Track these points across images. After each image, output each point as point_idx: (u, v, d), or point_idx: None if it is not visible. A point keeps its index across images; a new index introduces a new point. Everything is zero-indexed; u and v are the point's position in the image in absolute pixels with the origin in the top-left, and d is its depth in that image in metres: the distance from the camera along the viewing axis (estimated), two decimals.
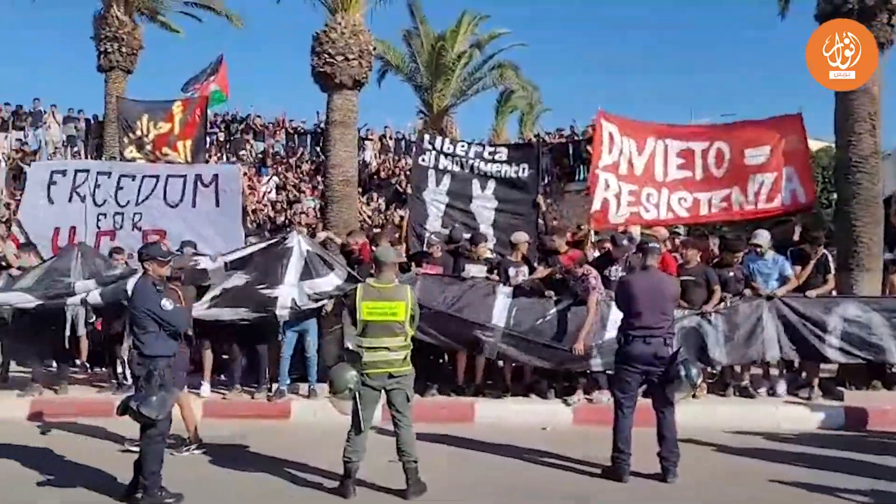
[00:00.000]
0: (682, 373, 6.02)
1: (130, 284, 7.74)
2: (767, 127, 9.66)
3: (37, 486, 5.98)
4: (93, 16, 17.06)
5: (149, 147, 10.74)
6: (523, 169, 9.78)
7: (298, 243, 8.86)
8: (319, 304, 8.81)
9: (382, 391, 5.75)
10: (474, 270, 9.02)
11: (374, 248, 9.42)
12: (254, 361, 9.18)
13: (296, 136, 22.55)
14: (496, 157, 9.86)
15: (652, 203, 9.60)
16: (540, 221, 10.00)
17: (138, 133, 10.83)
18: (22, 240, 9.83)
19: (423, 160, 9.87)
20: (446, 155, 9.82)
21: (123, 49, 16.81)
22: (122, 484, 5.78)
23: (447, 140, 10.35)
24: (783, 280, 8.78)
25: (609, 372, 8.34)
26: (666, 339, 6.17)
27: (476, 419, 8.26)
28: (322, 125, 21.69)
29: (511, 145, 13.43)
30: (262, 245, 9.01)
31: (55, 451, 6.99)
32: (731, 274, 8.86)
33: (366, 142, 21.27)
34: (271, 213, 17.53)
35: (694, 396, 7.63)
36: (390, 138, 22.66)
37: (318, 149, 21.72)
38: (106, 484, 5.94)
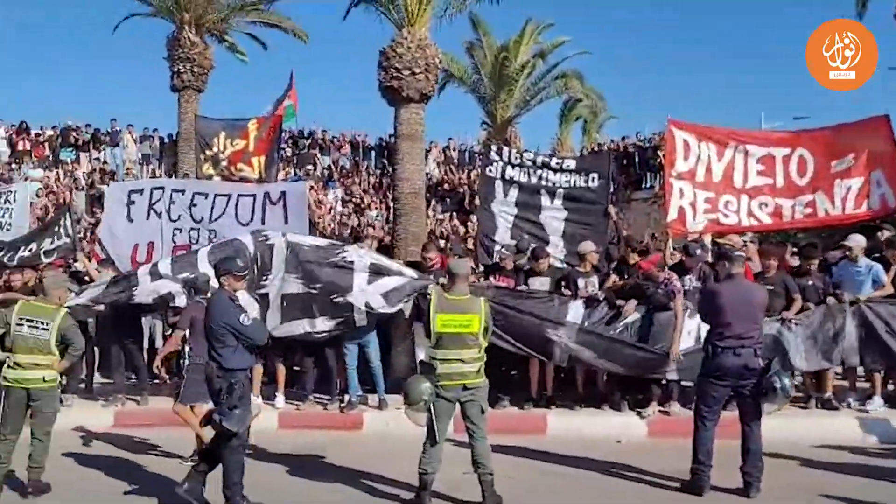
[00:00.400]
0: (777, 384, 5.86)
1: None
2: (852, 131, 9.24)
3: (116, 495, 6.19)
4: (166, 38, 17.70)
5: (224, 163, 10.97)
6: (593, 178, 9.66)
7: (354, 253, 9.00)
8: (396, 308, 8.81)
9: (457, 403, 5.76)
10: (537, 284, 8.97)
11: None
12: (325, 373, 9.30)
13: (361, 149, 22.88)
14: (565, 166, 9.75)
15: (731, 210, 9.33)
16: (611, 231, 9.89)
17: (215, 150, 11.07)
18: (102, 256, 10.18)
19: (491, 171, 9.85)
20: (514, 166, 9.76)
21: (195, 69, 17.40)
22: None
23: (514, 151, 10.30)
24: (877, 286, 8.46)
25: (684, 382, 8.20)
26: (756, 349, 5.98)
27: (548, 431, 8.19)
28: (386, 138, 22.10)
29: (580, 155, 13.31)
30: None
31: (136, 461, 7.22)
32: (811, 283, 8.59)
33: (428, 153, 21.43)
34: (337, 227, 17.81)
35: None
36: (453, 150, 22.80)
37: (384, 161, 22.00)
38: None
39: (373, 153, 22.84)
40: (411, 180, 10.51)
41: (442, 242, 13.70)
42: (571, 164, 9.88)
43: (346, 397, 8.91)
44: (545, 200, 9.75)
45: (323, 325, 8.75)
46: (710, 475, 5.99)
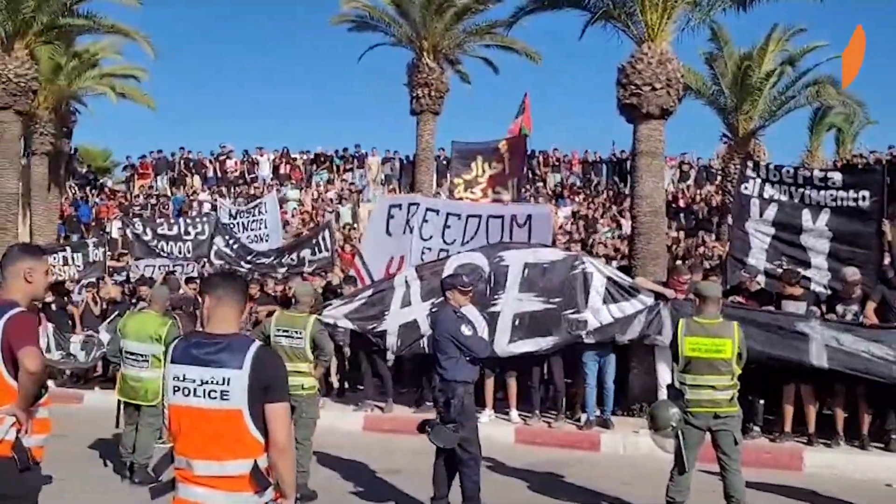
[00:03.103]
0: None
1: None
2: None
3: (366, 497, 6.60)
4: (406, 65, 18.81)
5: (480, 187, 11.31)
6: (863, 197, 8.74)
7: (595, 266, 8.92)
8: (628, 337, 8.74)
9: (707, 432, 5.51)
10: (791, 308, 8.35)
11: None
12: (552, 390, 9.34)
13: (592, 166, 22.71)
14: (830, 182, 8.94)
15: None
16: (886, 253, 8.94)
17: (473, 174, 11.44)
18: (360, 267, 10.93)
19: (746, 188, 9.33)
20: (772, 183, 9.15)
21: (432, 93, 18.28)
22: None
23: (772, 166, 9.66)
24: None
25: None
26: None
27: (804, 468, 7.60)
28: (618, 154, 21.77)
29: (847, 169, 12.15)
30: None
31: (383, 465, 7.62)
32: None
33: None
34: (569, 245, 17.79)
35: None
36: (689, 164, 21.92)
37: (615, 178, 21.68)
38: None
39: (604, 169, 22.57)
40: (650, 198, 10.23)
41: (677, 263, 13.21)
42: (837, 179, 9.02)
43: (584, 416, 8.90)
44: (807, 220, 9.03)
45: (552, 341, 8.87)
46: None
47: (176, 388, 2.93)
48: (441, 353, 5.88)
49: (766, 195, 9.20)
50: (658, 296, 8.66)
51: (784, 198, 9.13)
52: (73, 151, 24.11)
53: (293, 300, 6.93)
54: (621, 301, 8.76)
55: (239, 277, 3.44)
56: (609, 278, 8.87)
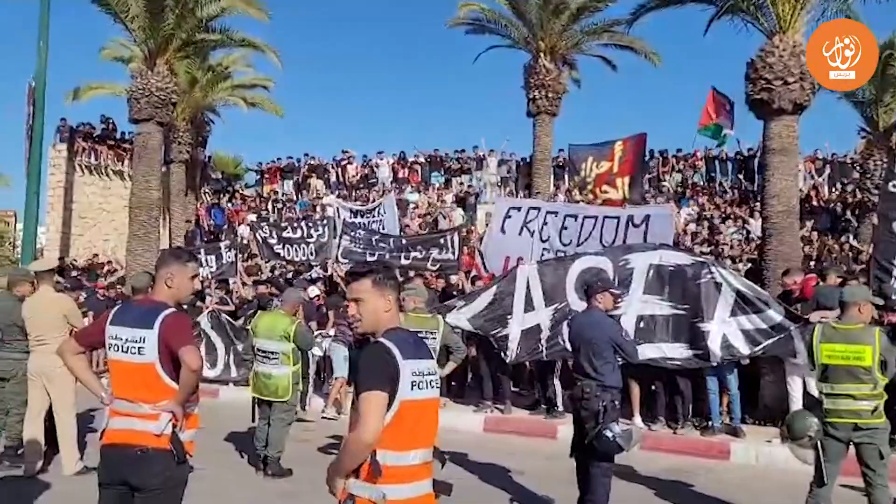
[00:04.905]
0: None
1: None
2: None
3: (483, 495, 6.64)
4: (523, 67, 18.76)
5: (589, 187, 11.26)
6: None
7: (723, 276, 8.64)
8: (759, 349, 8.42)
9: (850, 444, 5.22)
10: None
11: (815, 284, 8.71)
12: (676, 395, 9.10)
13: (716, 163, 21.88)
14: None
15: None
16: None
17: (583, 174, 11.42)
18: (481, 267, 11.06)
19: (894, 186, 8.80)
20: None
21: (549, 94, 18.17)
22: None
23: None
24: None
25: None
26: None
27: None
28: (744, 151, 20.87)
29: None
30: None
31: (507, 465, 7.65)
32: None
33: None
34: (692, 245, 17.23)
35: None
36: (822, 160, 20.73)
37: (740, 177, 20.83)
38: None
39: (729, 167, 21.68)
40: (783, 197, 9.76)
41: (812, 264, 12.57)
42: None
43: (710, 423, 8.67)
44: None
45: (677, 352, 8.64)
46: None
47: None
48: (597, 358, 5.71)
49: None
50: (791, 316, 8.29)
51: None
52: (207, 159, 25.59)
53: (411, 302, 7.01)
54: (751, 314, 8.45)
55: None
56: (738, 290, 8.54)
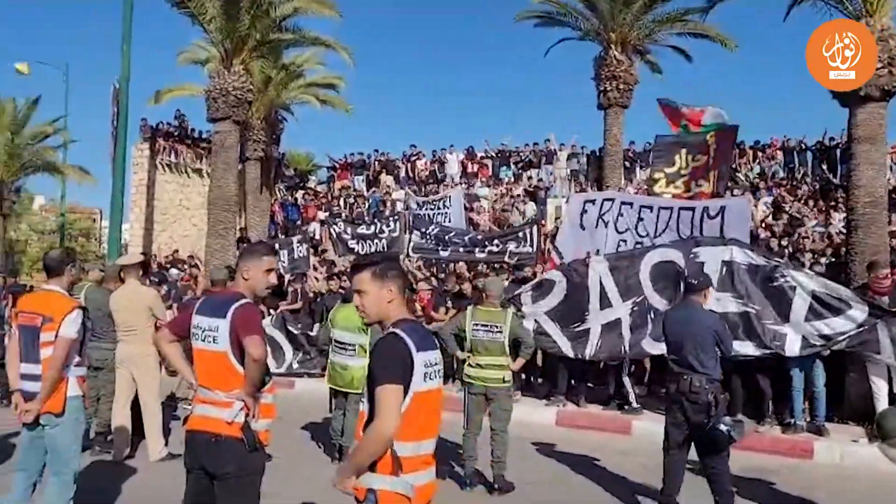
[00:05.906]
0: None
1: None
2: None
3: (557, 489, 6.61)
4: (593, 58, 18.48)
5: (683, 180, 10.92)
6: None
7: (795, 279, 8.46)
8: (836, 345, 8.17)
9: None
10: None
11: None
12: (757, 393, 8.87)
13: (796, 154, 21.13)
14: None
15: None
16: None
17: (676, 167, 11.07)
18: (557, 262, 10.96)
19: None
20: None
21: (620, 86, 17.84)
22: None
23: None
24: None
25: None
26: None
27: None
28: (826, 141, 20.09)
29: None
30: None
31: (581, 460, 7.61)
32: None
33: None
34: (770, 239, 16.68)
35: None
36: None
37: (822, 167, 20.07)
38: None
39: (809, 157, 20.90)
40: (869, 188, 9.37)
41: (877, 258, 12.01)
42: None
43: (793, 420, 8.44)
44: None
45: (751, 349, 8.47)
46: None
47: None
48: (703, 352, 5.66)
49: None
50: (876, 311, 8.00)
51: None
52: (280, 156, 26.13)
53: (483, 295, 6.96)
54: (828, 317, 8.25)
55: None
56: (814, 293, 8.34)
